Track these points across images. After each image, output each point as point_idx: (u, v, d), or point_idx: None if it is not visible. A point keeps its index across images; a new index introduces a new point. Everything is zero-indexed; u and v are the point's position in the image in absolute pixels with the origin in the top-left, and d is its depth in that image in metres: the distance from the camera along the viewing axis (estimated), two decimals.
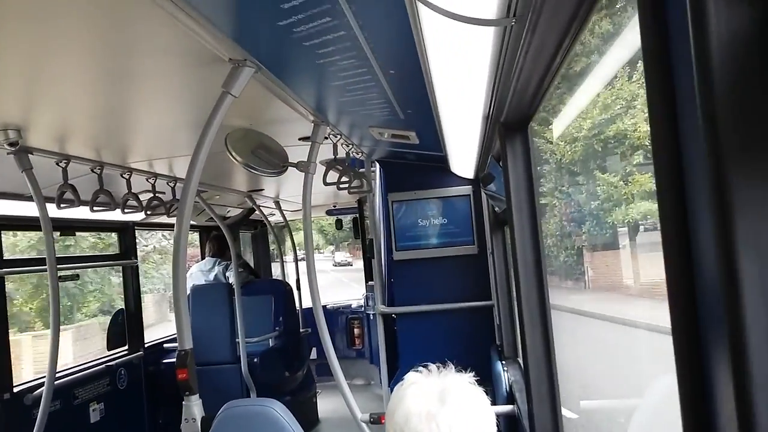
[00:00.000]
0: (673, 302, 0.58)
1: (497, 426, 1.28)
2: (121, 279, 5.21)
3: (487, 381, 1.20)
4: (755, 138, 0.44)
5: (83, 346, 13.26)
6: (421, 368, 1.30)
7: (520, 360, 3.66)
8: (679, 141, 0.57)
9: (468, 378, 1.29)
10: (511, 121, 1.98)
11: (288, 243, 7.91)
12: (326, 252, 46.32)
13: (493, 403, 1.41)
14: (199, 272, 5.87)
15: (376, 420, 3.20)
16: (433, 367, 1.29)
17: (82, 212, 3.36)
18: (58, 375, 3.65)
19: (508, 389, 3.45)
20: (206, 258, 6.11)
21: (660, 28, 0.59)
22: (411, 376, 1.30)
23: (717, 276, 0.47)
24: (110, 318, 5.42)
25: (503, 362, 3.77)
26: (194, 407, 2.18)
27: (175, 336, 5.80)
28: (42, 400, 3.05)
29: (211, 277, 5.85)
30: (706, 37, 0.44)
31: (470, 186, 4.40)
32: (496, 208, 3.62)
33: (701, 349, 0.56)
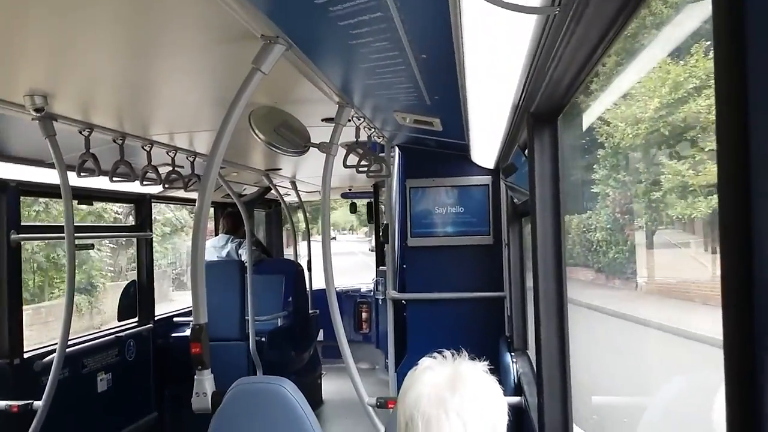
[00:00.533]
0: (728, 307, 0.57)
1: None
2: (100, 254, 5.22)
3: (495, 372, 1.21)
4: None
5: (39, 332, 10.40)
6: (436, 354, 1.29)
7: (530, 352, 3.67)
8: (748, 123, 0.55)
9: (482, 367, 1.28)
10: (542, 112, 1.96)
11: (302, 224, 7.93)
12: (360, 233, 42.67)
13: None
14: (212, 248, 5.89)
15: (383, 404, 3.20)
16: (447, 353, 1.28)
17: (100, 182, 3.37)
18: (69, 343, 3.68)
19: (516, 381, 3.45)
20: (220, 234, 6.14)
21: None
22: (425, 361, 1.29)
23: None
24: (122, 290, 5.45)
25: (512, 354, 3.77)
26: (206, 381, 2.19)
27: (184, 310, 5.87)
28: (53, 366, 3.08)
29: (224, 253, 5.88)
30: None
31: (489, 176, 4.38)
32: (515, 200, 3.60)
33: (755, 360, 0.54)
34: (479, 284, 4.36)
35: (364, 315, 7.83)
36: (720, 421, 0.59)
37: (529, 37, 1.44)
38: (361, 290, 8.02)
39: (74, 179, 3.08)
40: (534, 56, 1.59)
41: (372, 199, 7.51)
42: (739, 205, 0.56)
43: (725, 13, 0.59)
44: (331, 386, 6.59)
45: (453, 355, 1.29)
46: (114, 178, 3.35)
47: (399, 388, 1.31)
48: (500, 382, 1.28)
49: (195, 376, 2.19)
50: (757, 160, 0.54)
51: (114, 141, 3.20)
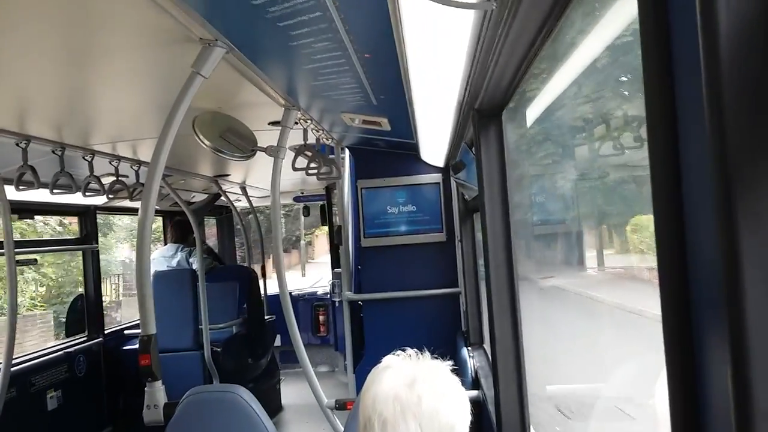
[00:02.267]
0: (664, 279, 0.58)
1: None
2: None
3: (455, 369, 1.21)
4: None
5: None
6: (399, 351, 1.28)
7: (486, 346, 3.71)
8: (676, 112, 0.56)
9: (445, 366, 1.27)
10: (486, 108, 1.98)
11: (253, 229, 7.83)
12: None
13: None
14: (162, 258, 5.76)
15: (342, 406, 3.19)
16: (411, 351, 1.27)
17: (42, 195, 3.26)
18: (13, 362, 3.55)
19: (473, 375, 3.48)
20: (168, 244, 6.01)
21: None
22: (387, 360, 1.28)
23: (713, 250, 0.47)
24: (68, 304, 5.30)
25: (469, 348, 3.80)
26: (157, 393, 2.15)
27: (136, 322, 5.73)
28: None
29: (174, 263, 5.75)
30: (713, 18, 0.44)
31: (440, 174, 4.42)
32: (466, 196, 3.63)
33: (692, 332, 0.56)
34: (434, 281, 4.40)
35: (321, 318, 7.79)
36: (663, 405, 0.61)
37: (469, 33, 1.46)
38: (317, 293, 7.98)
39: (12, 193, 2.98)
40: (475, 52, 1.60)
41: (325, 202, 7.48)
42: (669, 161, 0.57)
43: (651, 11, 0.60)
44: (290, 391, 6.53)
45: (416, 354, 1.28)
46: (55, 190, 3.24)
47: (358, 389, 1.30)
48: (458, 376, 1.28)
49: (146, 388, 2.14)
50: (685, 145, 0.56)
51: (53, 152, 3.10)
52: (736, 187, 0.44)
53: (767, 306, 0.43)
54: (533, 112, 2.05)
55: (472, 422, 1.24)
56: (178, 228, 5.90)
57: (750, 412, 0.44)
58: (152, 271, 5.36)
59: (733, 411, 0.45)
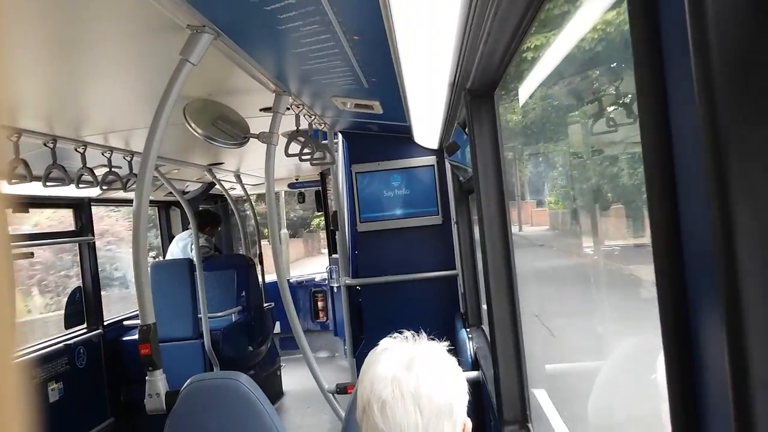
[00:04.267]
0: (660, 268, 0.58)
1: None
2: None
3: (452, 349, 1.22)
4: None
5: None
6: (396, 334, 1.28)
7: (484, 327, 3.72)
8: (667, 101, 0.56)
9: (442, 346, 1.27)
10: (478, 87, 1.97)
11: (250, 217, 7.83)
12: None
13: None
14: (180, 241, 5.91)
15: (343, 390, 3.21)
16: (408, 333, 1.27)
17: (35, 188, 3.25)
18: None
19: (472, 356, 3.50)
20: (184, 231, 6.13)
21: None
22: (384, 342, 1.28)
23: (707, 219, 0.46)
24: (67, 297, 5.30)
25: (467, 330, 3.82)
26: (158, 382, 2.15)
27: (136, 313, 5.74)
28: None
29: (183, 246, 5.90)
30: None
31: (434, 156, 4.41)
32: (461, 178, 3.63)
33: (688, 303, 0.55)
34: (432, 264, 4.41)
35: (320, 304, 7.81)
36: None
37: (458, 12, 1.44)
38: (315, 279, 8.00)
39: (5, 187, 2.96)
40: (464, 31, 1.59)
41: (320, 188, 7.46)
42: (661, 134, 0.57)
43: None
44: (291, 377, 6.57)
45: (413, 335, 1.28)
46: (47, 183, 3.23)
47: (358, 374, 1.31)
48: (457, 358, 1.28)
49: (147, 378, 2.14)
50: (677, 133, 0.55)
51: (45, 145, 3.08)
52: (729, 167, 0.43)
53: (763, 290, 0.42)
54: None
55: (472, 402, 1.24)
56: (199, 217, 5.95)
57: (747, 386, 0.44)
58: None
59: (730, 383, 0.45)
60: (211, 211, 6.15)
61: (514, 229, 2.13)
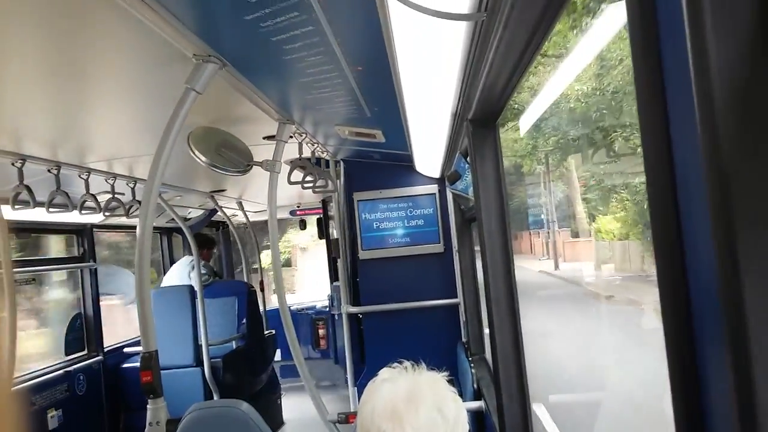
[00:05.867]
0: (665, 292, 0.58)
1: None
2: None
3: (455, 378, 1.21)
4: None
5: None
6: (396, 364, 1.27)
7: (487, 356, 3.69)
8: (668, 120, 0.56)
9: (442, 377, 1.27)
10: (480, 117, 1.98)
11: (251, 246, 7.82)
12: None
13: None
14: (180, 266, 5.87)
15: (344, 419, 3.17)
16: (407, 363, 1.27)
17: (39, 214, 3.26)
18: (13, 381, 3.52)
19: (475, 386, 3.47)
20: (186, 255, 6.09)
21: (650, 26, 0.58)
22: (384, 373, 1.27)
23: (712, 258, 0.46)
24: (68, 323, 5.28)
25: (470, 359, 3.79)
26: (159, 410, 2.13)
27: (135, 340, 5.71)
28: None
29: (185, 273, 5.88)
30: (702, 31, 0.44)
31: (436, 185, 4.43)
32: (462, 207, 3.64)
33: (694, 334, 0.55)
34: (433, 292, 4.39)
35: (320, 332, 7.77)
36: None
37: (460, 43, 1.46)
38: (317, 307, 7.96)
39: (9, 213, 2.97)
40: (467, 62, 1.61)
41: (321, 215, 7.47)
42: (667, 198, 0.57)
43: (639, 16, 0.60)
44: (292, 405, 6.50)
45: (412, 366, 1.28)
46: (51, 209, 3.24)
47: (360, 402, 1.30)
48: (460, 387, 1.27)
49: (148, 406, 2.13)
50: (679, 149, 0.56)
51: (49, 171, 3.10)
52: (730, 187, 0.44)
53: (765, 304, 0.43)
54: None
55: None
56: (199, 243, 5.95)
57: (753, 411, 0.44)
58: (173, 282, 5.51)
59: (735, 407, 0.45)
60: (205, 235, 6.11)
61: (548, 266, 2.14)
